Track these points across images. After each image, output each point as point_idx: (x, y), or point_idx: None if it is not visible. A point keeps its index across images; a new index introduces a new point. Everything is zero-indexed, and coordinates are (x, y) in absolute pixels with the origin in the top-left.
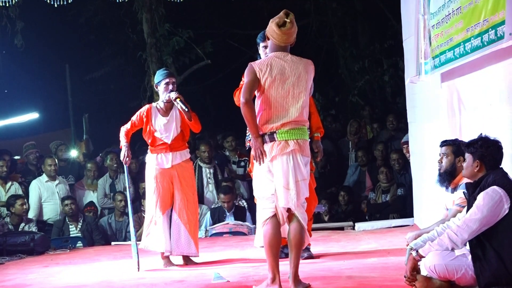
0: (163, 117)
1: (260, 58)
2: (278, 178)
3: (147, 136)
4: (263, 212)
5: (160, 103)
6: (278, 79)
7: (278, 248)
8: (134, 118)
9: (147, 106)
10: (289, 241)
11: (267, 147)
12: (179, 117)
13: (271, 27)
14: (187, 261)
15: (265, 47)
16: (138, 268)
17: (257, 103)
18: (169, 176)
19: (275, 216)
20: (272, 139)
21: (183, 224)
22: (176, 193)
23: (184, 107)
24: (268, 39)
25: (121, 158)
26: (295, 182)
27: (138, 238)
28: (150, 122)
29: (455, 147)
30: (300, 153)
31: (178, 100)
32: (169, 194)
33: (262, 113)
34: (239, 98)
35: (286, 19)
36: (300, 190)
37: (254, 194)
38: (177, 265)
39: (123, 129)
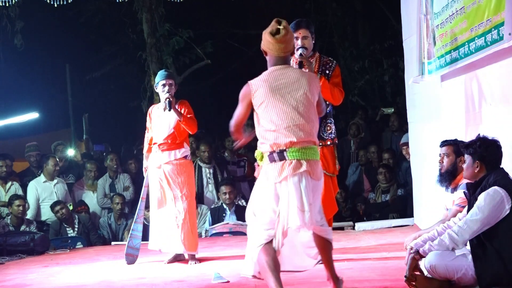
0: (159, 117)
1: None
2: (291, 200)
3: (148, 135)
4: (257, 236)
5: (159, 104)
6: (278, 95)
7: (279, 271)
8: (146, 123)
9: (152, 106)
10: (320, 251)
11: (275, 166)
12: (173, 118)
13: (265, 39)
14: (191, 258)
15: (296, 38)
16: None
17: (258, 118)
18: (158, 175)
19: (270, 242)
20: (282, 158)
21: (172, 222)
22: (166, 192)
23: (167, 107)
24: (266, 54)
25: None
26: (309, 204)
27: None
28: (151, 122)
29: (456, 147)
30: (311, 176)
31: (166, 100)
32: (161, 193)
33: (266, 130)
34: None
35: (279, 26)
36: (313, 213)
37: (249, 212)
38: (177, 261)
39: (146, 141)
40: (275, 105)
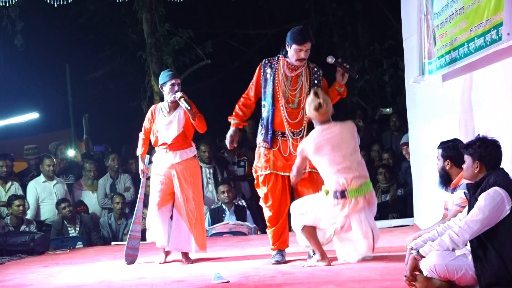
0: (166, 117)
1: (286, 53)
2: (355, 231)
3: (152, 135)
4: (304, 219)
5: (164, 104)
6: (328, 146)
7: (316, 236)
8: (144, 123)
9: (153, 106)
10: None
11: (339, 202)
12: (182, 117)
13: (311, 111)
14: (186, 258)
15: (300, 50)
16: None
17: (317, 164)
18: (168, 174)
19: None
20: (343, 197)
21: (183, 221)
22: (176, 191)
23: (187, 106)
24: (311, 118)
25: (140, 172)
26: (367, 231)
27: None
28: (154, 122)
29: (443, 151)
30: (368, 206)
31: (182, 99)
32: (169, 192)
33: (326, 174)
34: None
35: (320, 101)
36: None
37: (302, 209)
38: (172, 261)
39: (140, 138)
40: (327, 154)
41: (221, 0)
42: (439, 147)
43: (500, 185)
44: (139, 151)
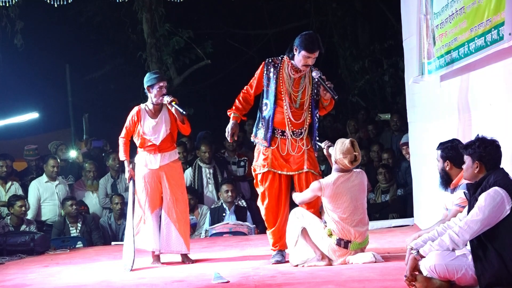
0: (152, 119)
1: (292, 57)
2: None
3: (136, 137)
4: (295, 229)
5: (149, 105)
6: (344, 196)
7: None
8: (127, 124)
9: (136, 108)
10: None
11: (340, 249)
12: (168, 119)
13: (343, 160)
14: (185, 258)
15: (308, 57)
16: (132, 268)
17: (327, 206)
18: (157, 176)
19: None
20: (346, 247)
21: (172, 223)
22: (164, 193)
23: (182, 110)
24: (336, 162)
25: (127, 177)
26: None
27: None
28: (140, 124)
29: (442, 151)
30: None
31: (173, 103)
32: (158, 194)
33: (335, 221)
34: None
35: (356, 154)
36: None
37: (305, 222)
38: (164, 263)
39: (122, 142)
40: (344, 204)
41: (221, 0)
42: (438, 148)
43: (500, 185)
44: (124, 155)
